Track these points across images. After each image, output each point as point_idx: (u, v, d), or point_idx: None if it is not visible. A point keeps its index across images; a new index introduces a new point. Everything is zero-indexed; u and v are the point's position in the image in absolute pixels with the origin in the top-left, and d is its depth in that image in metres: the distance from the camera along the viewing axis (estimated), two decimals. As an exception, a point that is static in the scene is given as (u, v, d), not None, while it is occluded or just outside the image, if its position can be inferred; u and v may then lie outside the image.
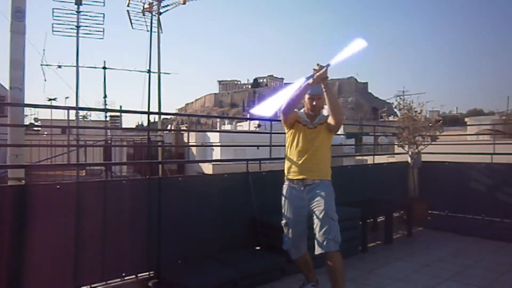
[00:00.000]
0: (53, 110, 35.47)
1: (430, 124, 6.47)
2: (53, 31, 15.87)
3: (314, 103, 3.15)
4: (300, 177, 3.12)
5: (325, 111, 3.19)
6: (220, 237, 4.00)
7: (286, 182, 3.23)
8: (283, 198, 3.23)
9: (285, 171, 3.24)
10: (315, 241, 2.98)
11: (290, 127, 3.23)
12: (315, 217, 3.01)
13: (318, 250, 2.96)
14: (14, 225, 2.85)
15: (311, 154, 3.12)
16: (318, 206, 3.00)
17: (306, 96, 3.15)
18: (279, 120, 3.43)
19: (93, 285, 3.19)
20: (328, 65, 2.86)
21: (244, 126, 26.02)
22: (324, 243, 2.91)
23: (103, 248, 3.22)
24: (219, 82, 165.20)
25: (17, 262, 2.83)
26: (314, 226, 3.01)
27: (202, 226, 3.87)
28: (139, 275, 3.45)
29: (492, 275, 3.97)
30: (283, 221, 3.21)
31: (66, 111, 4.33)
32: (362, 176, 5.90)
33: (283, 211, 3.22)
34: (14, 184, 3.96)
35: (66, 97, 21.58)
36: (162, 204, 3.56)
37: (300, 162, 3.13)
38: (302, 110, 3.27)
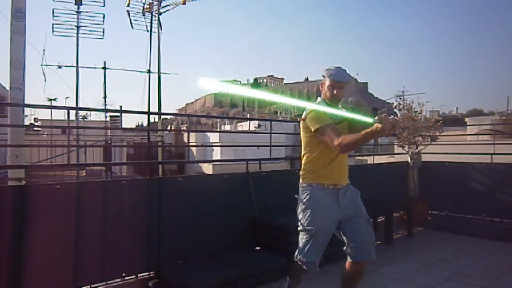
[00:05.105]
0: (53, 110, 35.48)
1: (430, 124, 6.46)
2: (53, 31, 15.88)
3: (335, 91, 2.71)
4: (336, 183, 2.71)
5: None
6: (220, 237, 4.00)
7: (314, 185, 2.70)
8: (309, 203, 2.69)
9: (311, 173, 2.73)
10: (356, 248, 2.67)
11: None
12: (355, 223, 2.71)
13: (361, 258, 2.68)
14: (14, 225, 2.85)
15: (342, 155, 2.72)
16: (359, 212, 2.74)
17: (327, 83, 2.73)
18: (279, 120, 3.36)
19: (93, 285, 3.19)
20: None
21: (244, 126, 25.99)
22: (371, 251, 2.69)
23: (103, 248, 3.22)
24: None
25: (17, 262, 2.83)
26: (354, 232, 2.70)
27: (202, 226, 3.87)
28: (139, 275, 3.45)
29: (492, 275, 3.97)
30: (310, 229, 2.66)
31: (66, 111, 4.34)
32: (362, 176, 5.88)
33: (307, 218, 2.68)
34: (14, 185, 3.97)
35: (66, 97, 21.55)
36: (162, 204, 3.56)
37: (334, 164, 2.70)
38: (318, 99, 2.82)
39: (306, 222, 2.69)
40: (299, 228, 2.75)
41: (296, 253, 2.78)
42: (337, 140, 2.49)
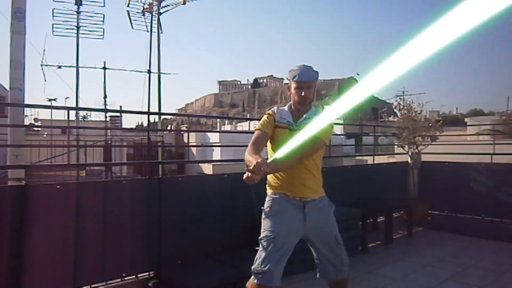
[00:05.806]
0: (53, 110, 35.45)
1: (430, 125, 6.47)
2: (53, 31, 15.89)
3: (303, 93, 2.45)
4: (301, 196, 2.49)
5: (314, 107, 2.56)
6: (220, 237, 4.00)
7: (276, 194, 2.52)
8: (270, 210, 2.49)
9: (273, 182, 2.57)
10: (326, 267, 2.61)
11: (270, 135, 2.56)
12: (323, 242, 2.56)
13: (326, 277, 2.65)
14: (14, 225, 2.85)
15: (311, 167, 2.49)
16: (327, 230, 2.55)
17: (293, 85, 2.49)
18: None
19: (93, 285, 3.19)
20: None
21: (244, 126, 26.01)
22: (341, 271, 2.62)
23: (103, 248, 3.23)
24: (219, 82, 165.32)
25: (17, 262, 2.83)
26: (320, 251, 2.59)
27: (202, 226, 3.87)
28: (139, 275, 3.45)
29: (492, 275, 3.97)
30: (269, 235, 2.40)
31: (66, 111, 4.34)
32: (362, 176, 5.89)
33: (266, 225, 2.46)
34: (14, 185, 3.97)
35: (66, 98, 21.57)
36: (162, 204, 3.57)
37: (289, 176, 2.48)
38: (286, 107, 2.62)
39: (265, 228, 2.45)
40: (259, 238, 2.47)
41: (252, 267, 2.42)
42: (248, 147, 2.52)
